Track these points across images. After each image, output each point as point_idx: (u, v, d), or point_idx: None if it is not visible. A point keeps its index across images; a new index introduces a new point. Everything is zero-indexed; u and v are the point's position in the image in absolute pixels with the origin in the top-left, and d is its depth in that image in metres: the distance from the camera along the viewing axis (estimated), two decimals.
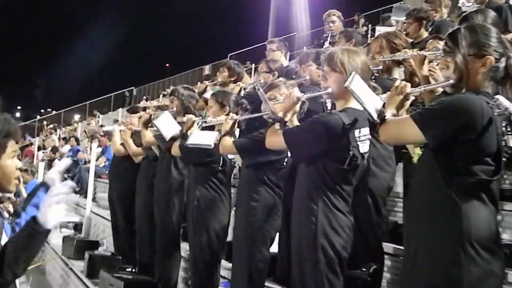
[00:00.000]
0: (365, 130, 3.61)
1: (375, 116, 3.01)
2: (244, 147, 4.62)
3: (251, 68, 16.91)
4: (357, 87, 3.09)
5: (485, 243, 2.68)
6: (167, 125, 5.55)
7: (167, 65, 35.62)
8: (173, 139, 5.55)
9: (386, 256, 4.61)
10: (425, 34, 6.93)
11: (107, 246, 8.56)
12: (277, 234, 5.00)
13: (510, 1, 8.25)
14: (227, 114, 5.01)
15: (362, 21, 11.47)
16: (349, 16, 14.34)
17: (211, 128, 5.15)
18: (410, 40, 6.93)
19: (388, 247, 4.66)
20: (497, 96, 2.66)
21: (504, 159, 2.77)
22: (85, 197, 10.76)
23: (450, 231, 2.70)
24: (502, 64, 2.83)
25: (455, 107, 2.75)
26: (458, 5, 8.09)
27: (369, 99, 3.07)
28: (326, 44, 7.66)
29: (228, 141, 4.71)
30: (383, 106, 3.12)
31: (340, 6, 8.95)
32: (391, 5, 11.88)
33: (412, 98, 3.10)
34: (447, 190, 2.73)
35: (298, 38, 19.84)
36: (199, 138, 4.88)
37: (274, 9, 22.61)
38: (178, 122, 5.61)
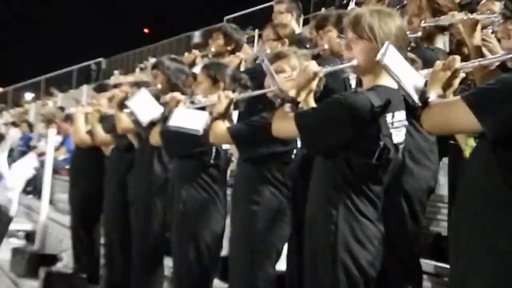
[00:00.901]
0: (401, 115, 3.63)
1: (416, 98, 3.04)
2: (241, 135, 4.62)
3: (253, 36, 16.93)
4: (392, 61, 3.11)
5: None
6: (145, 107, 5.51)
7: (146, 30, 35.69)
8: (153, 124, 5.56)
9: (424, 276, 4.68)
10: None
11: (67, 261, 8.61)
12: (285, 247, 5.04)
13: None
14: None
15: None
16: None
17: (201, 110, 5.14)
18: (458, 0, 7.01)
19: (427, 265, 4.72)
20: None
21: None
22: (40, 198, 10.79)
23: (511, 244, 2.74)
24: None
25: None
26: None
27: (407, 77, 3.09)
28: (352, 4, 7.70)
29: (221, 126, 4.70)
30: (425, 85, 3.14)
31: None
32: None
33: (462, 75, 3.12)
34: (508, 192, 2.76)
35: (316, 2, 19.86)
36: (184, 119, 4.80)
37: None
38: (160, 103, 5.60)
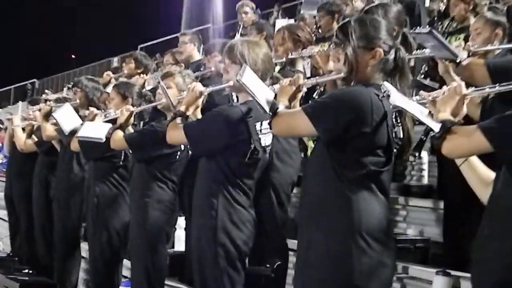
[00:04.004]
0: (267, 123, 3.63)
1: (267, 108, 3.10)
2: (134, 141, 4.65)
3: (162, 62, 16.88)
4: (249, 80, 3.18)
5: (376, 235, 2.82)
6: (68, 118, 5.47)
7: (73, 56, 34.95)
8: (74, 133, 5.55)
9: (291, 253, 4.73)
10: (336, 27, 7.14)
11: (2, 248, 8.46)
12: (183, 232, 5.11)
13: None
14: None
15: (274, 14, 11.75)
16: (266, 8, 14.50)
17: (113, 122, 5.17)
18: (323, 34, 7.22)
19: (293, 243, 4.81)
20: (385, 83, 2.86)
21: (394, 150, 2.94)
22: None
23: (341, 224, 2.83)
24: (391, 56, 2.98)
25: (345, 101, 2.90)
26: None
27: (261, 92, 3.16)
28: (237, 35, 7.81)
29: (119, 135, 4.71)
30: (275, 97, 3.21)
31: None
32: None
33: (304, 89, 3.23)
34: (338, 183, 2.86)
35: (213, 30, 19.87)
36: (90, 130, 4.87)
37: None
38: (81, 116, 5.61)
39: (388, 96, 2.69)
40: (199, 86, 3.99)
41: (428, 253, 4.82)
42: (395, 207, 5.35)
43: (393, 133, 2.93)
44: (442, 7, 8.02)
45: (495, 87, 2.39)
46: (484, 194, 2.46)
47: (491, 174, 2.45)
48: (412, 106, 2.46)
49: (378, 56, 2.97)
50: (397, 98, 2.46)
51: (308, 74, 5.02)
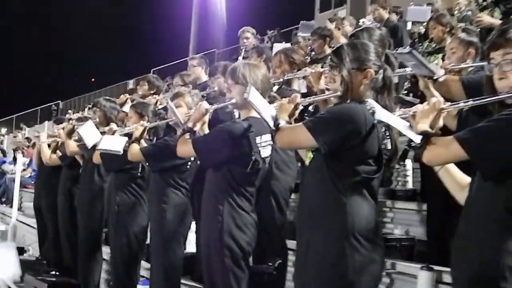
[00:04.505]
0: (266, 137, 3.70)
1: (271, 123, 3.11)
2: (150, 153, 4.69)
3: (172, 83, 16.93)
4: (254, 98, 3.19)
5: (367, 235, 2.84)
6: (90, 134, 5.48)
7: (93, 79, 35.04)
8: (95, 147, 5.57)
9: (290, 252, 4.72)
10: (328, 50, 7.17)
11: (32, 252, 8.46)
12: (194, 235, 5.11)
13: (406, 19, 8.70)
14: None
15: (271, 38, 11.81)
16: (265, 33, 14.57)
17: (129, 136, 5.18)
18: (316, 56, 7.25)
19: (291, 243, 4.81)
20: (369, 101, 2.87)
21: (384, 159, 2.97)
22: (11, 206, 10.58)
23: (336, 226, 2.85)
24: (380, 75, 3.02)
25: (343, 116, 2.91)
26: (359, 23, 8.45)
27: (265, 109, 3.17)
28: (240, 58, 7.82)
29: (136, 148, 4.75)
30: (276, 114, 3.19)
31: (256, 23, 9.16)
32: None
33: (301, 107, 3.24)
34: (334, 189, 2.88)
35: (218, 54, 19.98)
36: (109, 143, 4.88)
37: (195, 25, 22.70)
38: (101, 132, 5.63)
39: (374, 112, 2.70)
40: (205, 104, 4.01)
41: (413, 250, 4.82)
42: (383, 209, 5.36)
43: (383, 145, 2.95)
44: (422, 30, 8.09)
45: (469, 101, 2.38)
46: (460, 196, 2.47)
47: (466, 179, 2.45)
48: (395, 120, 2.46)
49: (369, 76, 3.00)
50: (381, 114, 2.46)
51: (304, 91, 5.02)
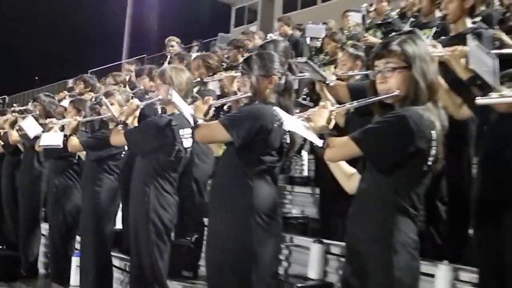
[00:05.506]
0: (188, 130, 3.64)
1: (191, 121, 3.08)
2: (89, 144, 4.56)
3: (105, 82, 16.48)
4: (176, 99, 3.14)
5: (269, 213, 2.87)
6: (31, 126, 5.35)
7: (36, 77, 33.62)
8: (36, 138, 5.39)
9: (206, 228, 4.71)
10: (241, 59, 7.21)
11: None
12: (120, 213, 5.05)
13: (305, 35, 8.85)
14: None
15: (195, 48, 11.76)
16: (189, 42, 14.45)
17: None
18: (230, 63, 7.26)
19: (207, 221, 4.81)
20: (277, 110, 2.86)
21: (284, 151, 3.00)
22: None
23: (244, 205, 2.86)
24: (283, 81, 3.05)
25: (253, 114, 2.92)
26: (267, 37, 8.54)
27: (185, 108, 3.14)
28: (166, 63, 7.75)
29: (75, 140, 4.61)
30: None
31: (181, 34, 9.06)
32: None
33: (213, 108, 3.21)
34: (243, 175, 2.89)
35: (147, 59, 19.66)
36: (49, 139, 4.73)
37: (128, 33, 22.26)
38: (40, 124, 5.46)
39: (282, 123, 2.68)
40: (136, 101, 3.97)
41: (307, 227, 4.90)
42: (283, 192, 5.44)
43: (283, 139, 2.98)
44: (319, 45, 8.24)
45: (353, 103, 2.40)
46: (346, 184, 2.50)
47: (351, 169, 2.49)
48: (299, 126, 2.44)
49: (274, 81, 3.02)
50: (288, 124, 2.46)
51: (218, 92, 5.03)
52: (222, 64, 6.64)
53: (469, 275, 3.12)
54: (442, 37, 3.52)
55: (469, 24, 3.48)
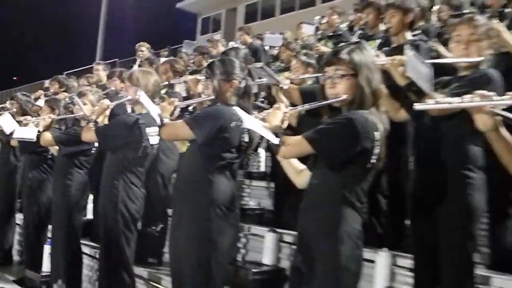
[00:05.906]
0: (155, 128, 3.54)
1: (158, 120, 3.05)
2: (62, 140, 4.42)
3: (79, 84, 16.09)
4: (144, 100, 3.12)
5: (227, 205, 2.87)
6: (8, 123, 5.19)
7: (15, 78, 32.68)
8: (12, 134, 5.22)
9: (170, 219, 4.61)
10: (205, 63, 7.16)
11: None
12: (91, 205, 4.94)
13: (264, 44, 8.87)
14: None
15: (165, 53, 11.64)
16: (160, 48, 14.25)
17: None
18: (195, 68, 7.21)
19: (171, 211, 4.75)
20: (236, 110, 2.87)
21: (242, 149, 3.00)
22: None
23: (205, 198, 2.85)
24: (243, 85, 3.04)
25: (213, 115, 2.92)
26: (229, 45, 8.52)
27: (152, 108, 3.10)
28: (135, 67, 7.64)
29: (48, 135, 4.48)
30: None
31: (151, 40, 8.92)
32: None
33: (179, 108, 3.21)
34: (204, 170, 2.87)
35: (119, 63, 19.33)
36: (23, 133, 4.61)
37: (102, 38, 21.84)
38: (17, 121, 5.30)
39: (241, 121, 2.66)
40: (106, 101, 3.90)
41: (263, 217, 4.90)
42: (242, 186, 5.43)
43: (242, 138, 2.97)
44: (276, 53, 8.28)
45: (305, 105, 2.38)
46: (296, 179, 2.48)
47: (301, 166, 2.48)
48: (257, 125, 2.42)
49: (234, 85, 3.02)
50: (247, 122, 2.43)
51: (184, 94, 4.98)
52: (188, 68, 6.58)
53: (406, 261, 3.17)
54: (385, 48, 3.57)
55: (409, 36, 3.56)
